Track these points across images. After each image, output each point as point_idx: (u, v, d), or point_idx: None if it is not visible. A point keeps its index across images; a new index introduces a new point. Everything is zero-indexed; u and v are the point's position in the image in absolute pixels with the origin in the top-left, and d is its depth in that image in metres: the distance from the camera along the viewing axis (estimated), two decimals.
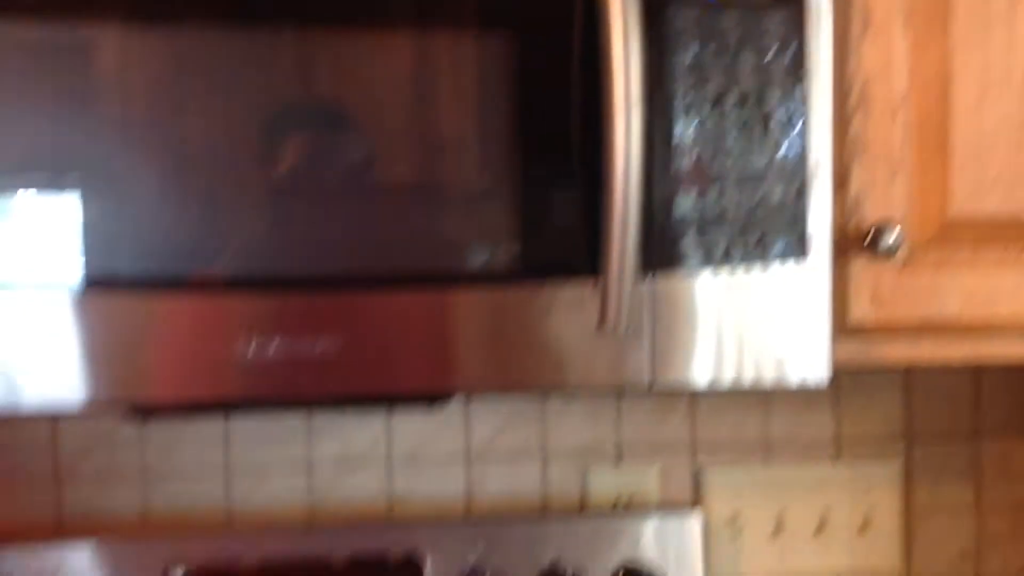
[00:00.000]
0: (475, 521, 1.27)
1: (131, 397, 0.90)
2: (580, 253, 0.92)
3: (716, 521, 1.34)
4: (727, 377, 0.96)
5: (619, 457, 1.35)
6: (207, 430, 1.26)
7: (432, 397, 0.98)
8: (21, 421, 1.21)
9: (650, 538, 1.24)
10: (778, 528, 1.36)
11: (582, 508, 1.33)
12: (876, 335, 1.05)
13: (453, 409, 1.30)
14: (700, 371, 0.96)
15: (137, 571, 1.14)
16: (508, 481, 1.32)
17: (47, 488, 1.23)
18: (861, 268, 1.02)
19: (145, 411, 1.01)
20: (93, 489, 1.24)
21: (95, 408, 1.07)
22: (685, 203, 0.93)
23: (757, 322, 0.96)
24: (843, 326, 1.02)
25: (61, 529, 1.23)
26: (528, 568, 1.21)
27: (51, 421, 1.22)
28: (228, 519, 1.26)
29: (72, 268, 0.86)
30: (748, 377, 0.96)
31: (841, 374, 1.15)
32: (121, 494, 1.24)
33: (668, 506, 1.32)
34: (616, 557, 1.23)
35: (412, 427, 1.30)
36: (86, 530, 1.22)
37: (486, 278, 0.92)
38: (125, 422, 1.21)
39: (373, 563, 1.18)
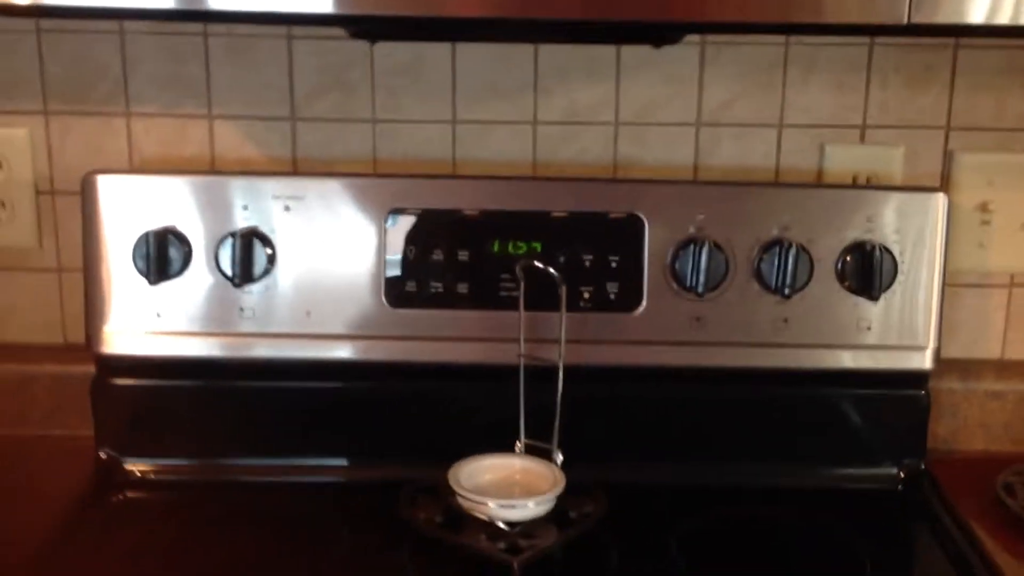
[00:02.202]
0: (701, 186, 1.22)
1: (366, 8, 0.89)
2: None
3: (963, 208, 1.25)
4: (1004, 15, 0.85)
5: (862, 134, 1.26)
6: (434, 76, 1.24)
7: (662, 29, 0.92)
8: (256, 52, 1.23)
9: (889, 217, 1.16)
10: None
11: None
12: None
13: (686, 73, 1.24)
14: (971, 7, 0.85)
15: (365, 206, 1.16)
16: (740, 151, 1.26)
17: (282, 129, 1.26)
18: None
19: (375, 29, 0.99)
20: (324, 133, 1.26)
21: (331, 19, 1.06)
22: None
23: None
24: None
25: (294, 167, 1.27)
26: (752, 238, 1.16)
27: (287, 56, 1.23)
28: (452, 172, 1.27)
29: None
30: None
31: None
32: (352, 139, 1.26)
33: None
34: (849, 234, 1.16)
35: (642, 89, 1.25)
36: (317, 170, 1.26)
37: None
38: (354, 39, 1.20)
39: (594, 219, 1.16)
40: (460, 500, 1.07)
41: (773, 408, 1.21)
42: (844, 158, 1.26)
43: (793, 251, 1.14)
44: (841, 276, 1.17)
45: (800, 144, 1.26)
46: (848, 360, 1.18)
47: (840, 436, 1.21)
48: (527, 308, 1.14)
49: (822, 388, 1.21)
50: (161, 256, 1.14)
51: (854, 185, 1.24)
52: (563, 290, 1.11)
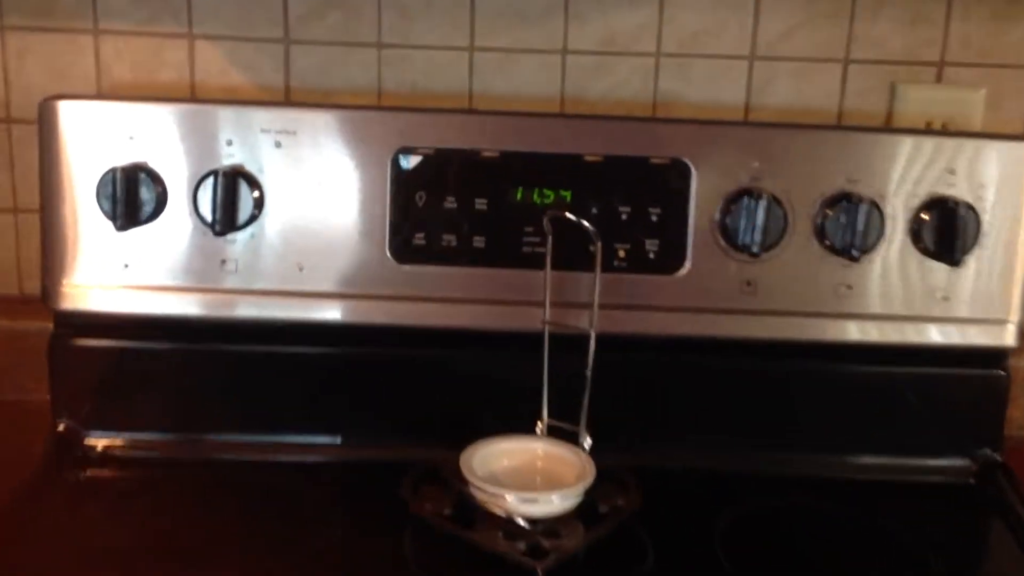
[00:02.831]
0: (757, 128, 1.06)
1: None
2: None
3: None
4: None
5: (939, 74, 1.10)
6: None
7: None
8: None
9: (969, 169, 1.00)
10: None
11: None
12: None
13: None
14: None
15: (368, 144, 1.00)
16: (798, 89, 1.10)
17: (274, 52, 1.10)
18: None
19: None
20: (322, 58, 1.10)
21: None
22: None
23: None
24: None
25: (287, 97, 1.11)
26: (814, 191, 1.00)
27: None
28: (469, 106, 1.11)
29: None
30: None
31: None
32: (354, 66, 1.10)
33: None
34: (924, 187, 1.01)
35: (688, 15, 1.08)
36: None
37: None
38: None
39: (633, 164, 1.00)
40: (473, 491, 0.92)
41: (831, 387, 1.06)
42: (918, 100, 1.11)
43: (864, 207, 0.98)
44: (916, 236, 1.01)
45: (868, 83, 1.10)
46: (919, 335, 1.03)
47: (906, 421, 1.06)
48: (553, 267, 0.99)
49: (888, 366, 1.05)
50: (130, 197, 0.98)
51: (931, 131, 1.08)
52: (599, 247, 0.96)
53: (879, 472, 1.06)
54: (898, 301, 1.02)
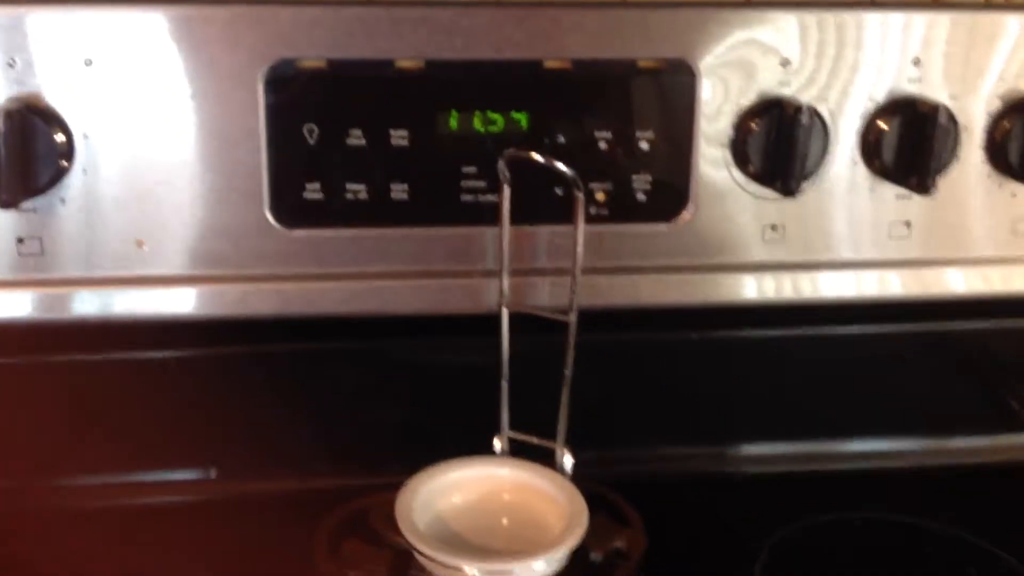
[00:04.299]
0: (781, 8, 0.74)
1: None
2: None
3: None
4: None
5: None
6: None
7: None
8: None
9: None
10: None
11: None
12: None
13: None
14: None
15: (227, 56, 0.67)
16: None
17: None
18: None
19: None
20: None
21: None
22: None
23: None
24: None
25: None
26: (863, 92, 0.72)
27: None
28: None
29: None
30: None
31: None
32: None
33: None
34: (1001, 85, 0.73)
35: None
36: None
37: None
38: None
39: (613, 71, 0.71)
40: (418, 557, 0.64)
41: (889, 357, 0.80)
42: None
43: (943, 117, 0.70)
44: (999, 151, 0.74)
45: None
46: (1001, 281, 0.77)
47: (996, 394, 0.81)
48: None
49: (966, 321, 0.80)
50: None
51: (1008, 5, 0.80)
52: (580, 199, 0.65)
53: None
54: (968, 240, 0.76)
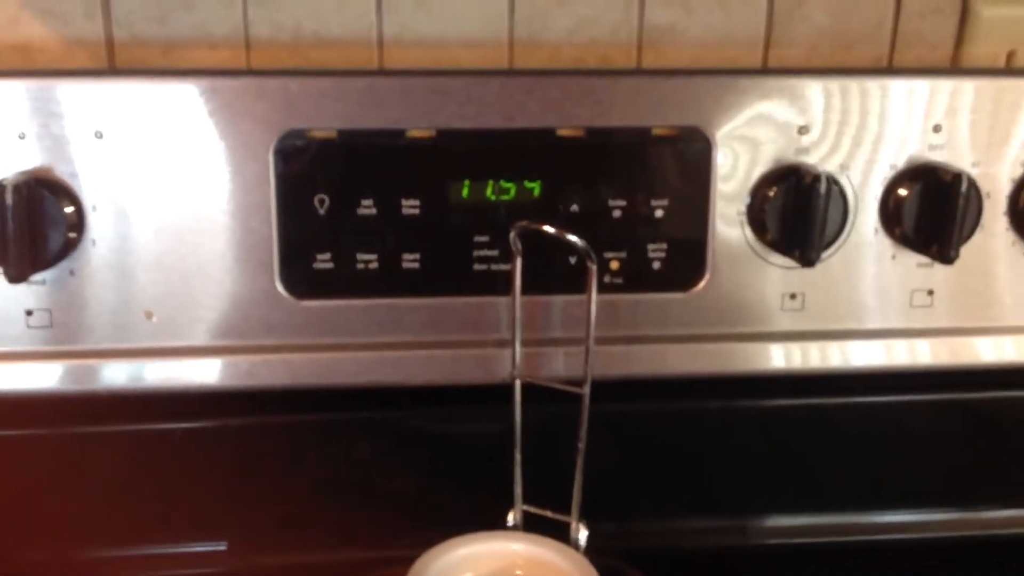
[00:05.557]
0: (805, 77, 0.73)
1: None
2: None
3: None
4: None
5: None
6: None
7: None
8: None
9: None
10: None
11: None
12: None
13: None
14: None
15: (237, 127, 0.67)
16: (834, 10, 0.79)
17: None
18: None
19: None
20: None
21: None
22: None
23: None
24: None
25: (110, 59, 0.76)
26: (883, 162, 0.71)
27: None
28: (379, 63, 0.78)
29: None
30: None
31: None
32: (206, 6, 0.75)
33: None
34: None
35: None
36: None
37: None
38: None
39: (627, 138, 0.69)
40: None
41: (916, 427, 0.78)
42: (997, 20, 0.81)
43: (964, 185, 0.68)
44: (1020, 220, 0.72)
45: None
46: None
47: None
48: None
49: (996, 391, 0.78)
50: None
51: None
52: (592, 270, 0.64)
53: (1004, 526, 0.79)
54: (993, 309, 0.74)
